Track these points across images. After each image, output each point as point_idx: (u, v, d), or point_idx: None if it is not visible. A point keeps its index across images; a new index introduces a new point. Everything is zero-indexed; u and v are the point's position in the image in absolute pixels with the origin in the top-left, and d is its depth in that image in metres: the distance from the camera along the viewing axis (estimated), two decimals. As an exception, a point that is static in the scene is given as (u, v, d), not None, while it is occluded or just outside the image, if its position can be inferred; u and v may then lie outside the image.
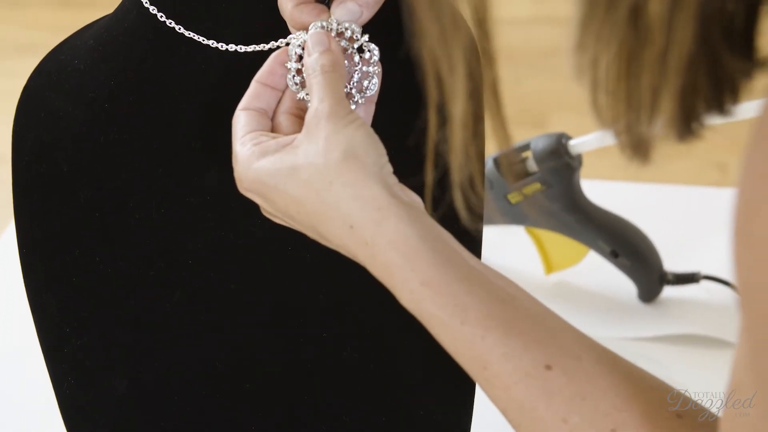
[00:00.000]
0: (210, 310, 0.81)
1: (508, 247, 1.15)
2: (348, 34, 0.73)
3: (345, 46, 0.73)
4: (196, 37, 0.77)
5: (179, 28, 0.77)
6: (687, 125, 0.50)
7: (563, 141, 1.05)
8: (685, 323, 1.07)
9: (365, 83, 0.73)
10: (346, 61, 0.73)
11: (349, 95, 0.74)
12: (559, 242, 1.09)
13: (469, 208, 0.63)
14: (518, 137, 1.05)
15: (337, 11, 0.72)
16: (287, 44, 0.75)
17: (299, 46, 0.73)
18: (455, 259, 0.65)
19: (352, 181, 0.65)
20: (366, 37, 0.73)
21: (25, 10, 2.87)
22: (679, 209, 1.14)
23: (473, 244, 0.80)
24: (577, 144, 1.05)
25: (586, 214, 1.07)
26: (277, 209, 0.70)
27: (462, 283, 0.63)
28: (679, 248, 1.11)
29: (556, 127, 1.90)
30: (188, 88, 0.79)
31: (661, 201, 1.23)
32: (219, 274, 0.80)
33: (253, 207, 0.79)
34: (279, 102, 0.74)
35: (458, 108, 0.57)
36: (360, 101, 0.73)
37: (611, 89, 0.50)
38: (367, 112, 0.74)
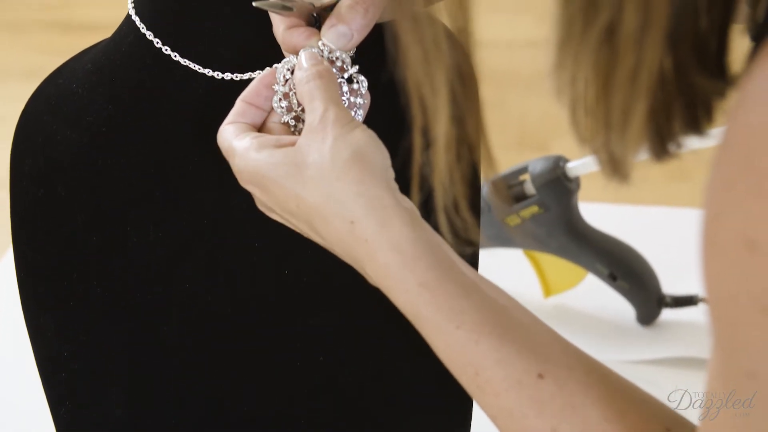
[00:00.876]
0: (207, 334, 0.81)
1: (507, 270, 1.15)
2: (339, 63, 0.74)
3: (335, 74, 0.73)
4: (191, 65, 0.78)
5: (174, 55, 0.78)
6: (663, 145, 0.51)
7: (561, 164, 1.05)
8: (684, 346, 1.07)
9: (351, 113, 0.74)
10: None
11: None
12: (557, 265, 1.09)
13: (455, 232, 0.63)
14: (520, 160, 1.06)
15: (328, 34, 0.73)
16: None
17: (288, 69, 0.73)
18: (452, 265, 0.65)
19: (359, 179, 0.66)
20: (356, 68, 0.74)
21: (28, 34, 2.88)
22: (677, 232, 1.14)
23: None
24: (574, 167, 1.05)
25: (584, 236, 1.07)
26: (275, 202, 0.70)
27: (459, 288, 0.64)
28: (677, 271, 1.11)
29: (558, 151, 1.90)
30: (185, 112, 0.79)
31: (659, 224, 1.23)
32: (216, 297, 0.80)
33: (250, 230, 0.79)
34: (268, 115, 0.74)
35: (441, 130, 0.57)
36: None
37: (589, 108, 0.50)
38: None
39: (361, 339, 0.82)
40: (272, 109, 0.74)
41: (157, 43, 0.78)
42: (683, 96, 0.49)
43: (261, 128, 0.74)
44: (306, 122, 0.69)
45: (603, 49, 0.48)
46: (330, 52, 0.73)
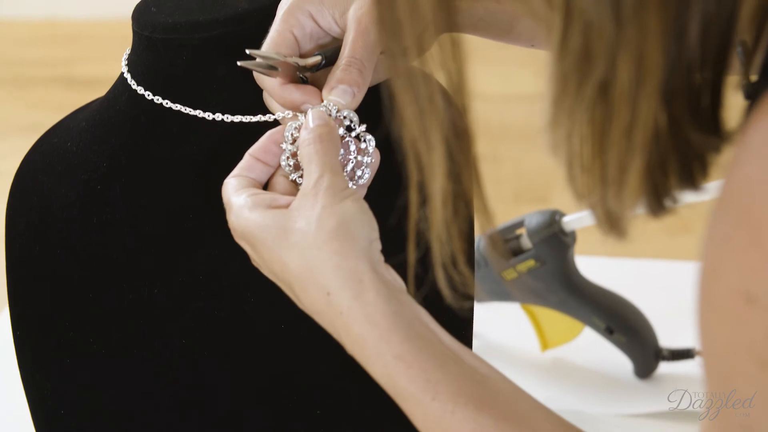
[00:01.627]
0: (202, 390, 0.81)
1: (504, 324, 1.15)
2: (346, 122, 0.74)
3: (342, 134, 0.74)
4: (183, 109, 0.78)
5: (166, 103, 0.79)
6: (659, 201, 0.51)
7: (557, 218, 1.05)
8: (682, 399, 1.06)
9: (358, 172, 0.74)
10: (341, 150, 0.74)
11: None
12: (554, 319, 1.09)
13: (453, 286, 0.63)
14: (518, 214, 1.06)
15: (334, 92, 0.74)
16: (276, 119, 0.76)
17: (296, 128, 0.74)
18: (430, 336, 0.65)
19: (338, 251, 0.67)
20: (363, 127, 0.74)
21: (31, 90, 2.90)
22: (674, 285, 1.14)
23: (462, 321, 0.80)
24: (570, 221, 1.05)
25: (581, 290, 1.07)
26: (263, 262, 0.71)
27: (435, 359, 0.64)
28: (674, 324, 1.11)
29: (557, 204, 1.91)
30: (179, 168, 0.79)
31: (655, 277, 1.23)
32: (210, 353, 0.81)
33: (244, 286, 0.79)
34: (276, 169, 0.75)
35: (437, 186, 0.58)
36: (351, 188, 0.74)
37: (585, 165, 0.50)
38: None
39: (357, 393, 0.82)
40: (279, 165, 0.75)
41: (148, 95, 0.79)
42: (678, 151, 0.50)
43: (268, 182, 0.74)
44: (302, 186, 0.70)
45: (598, 105, 0.48)
46: (338, 111, 0.74)
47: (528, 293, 1.08)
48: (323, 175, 0.69)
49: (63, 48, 3.10)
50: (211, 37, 0.77)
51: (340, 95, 0.73)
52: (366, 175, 0.74)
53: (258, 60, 0.74)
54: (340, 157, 0.73)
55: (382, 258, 0.68)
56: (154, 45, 0.79)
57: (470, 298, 0.67)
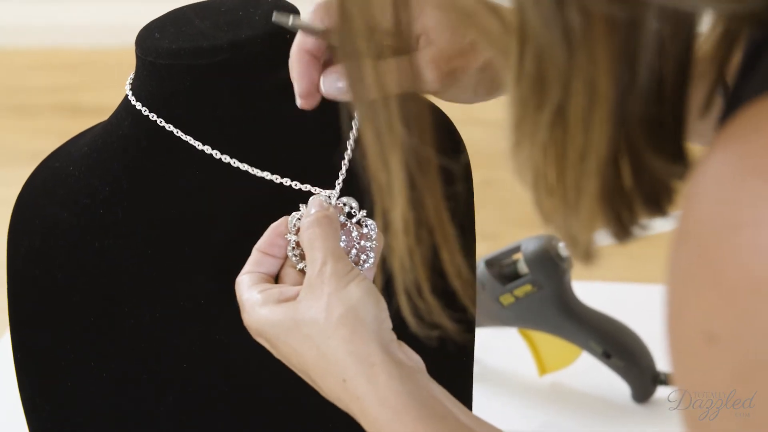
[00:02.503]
0: (203, 413, 0.82)
1: (502, 349, 1.16)
2: (346, 209, 0.76)
3: (343, 221, 0.76)
4: (190, 141, 0.79)
5: (169, 127, 0.79)
6: (624, 227, 0.51)
7: (553, 243, 1.06)
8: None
9: (362, 257, 0.76)
10: (344, 236, 0.75)
11: None
12: (551, 343, 1.09)
13: (418, 314, 0.64)
14: (522, 237, 1.07)
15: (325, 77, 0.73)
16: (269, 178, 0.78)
17: (298, 218, 0.75)
18: (445, 414, 0.67)
19: (349, 337, 0.68)
20: (364, 212, 0.76)
21: (35, 117, 2.91)
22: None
23: (461, 348, 0.81)
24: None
25: (578, 315, 1.07)
26: (281, 355, 0.73)
27: (449, 427, 0.66)
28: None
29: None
30: (181, 193, 0.80)
31: (652, 301, 1.23)
32: (212, 377, 0.81)
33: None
34: (285, 261, 0.76)
35: (398, 213, 0.59)
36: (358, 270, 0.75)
37: (549, 188, 0.51)
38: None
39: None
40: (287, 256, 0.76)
41: (153, 116, 0.80)
42: (640, 177, 0.50)
43: (278, 274, 0.76)
44: (306, 275, 0.71)
45: (556, 129, 0.49)
46: (338, 200, 0.75)
47: (525, 318, 1.08)
48: (326, 261, 0.70)
49: (67, 76, 3.12)
50: (215, 63, 0.78)
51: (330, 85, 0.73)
52: (371, 259, 0.76)
53: (294, 23, 0.74)
54: (343, 243, 0.75)
55: (394, 336, 0.70)
56: (158, 70, 0.79)
57: (438, 327, 0.67)
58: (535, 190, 0.51)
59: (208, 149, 0.79)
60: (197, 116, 0.79)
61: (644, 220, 0.51)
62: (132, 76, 0.82)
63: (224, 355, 0.81)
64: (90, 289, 0.80)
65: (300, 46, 0.74)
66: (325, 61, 0.75)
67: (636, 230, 0.52)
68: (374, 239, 0.75)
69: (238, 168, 0.79)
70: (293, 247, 0.75)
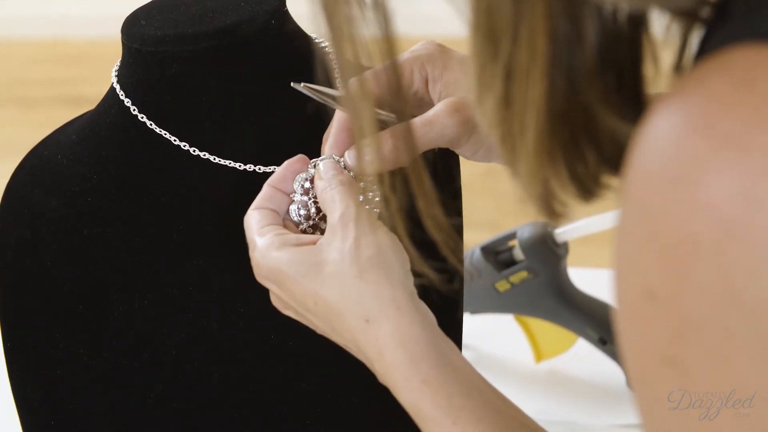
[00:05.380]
0: (194, 401, 0.81)
1: (498, 336, 1.15)
2: (352, 174, 0.76)
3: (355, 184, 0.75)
4: (171, 139, 0.79)
5: (150, 124, 0.79)
6: (581, 184, 0.51)
7: (549, 229, 1.06)
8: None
9: (375, 216, 0.75)
10: None
11: None
12: (547, 330, 1.09)
13: None
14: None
15: (349, 153, 0.75)
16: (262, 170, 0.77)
17: (305, 179, 0.75)
18: (459, 367, 0.67)
19: (376, 279, 0.68)
20: (369, 179, 0.76)
21: (37, 109, 2.91)
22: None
23: (451, 303, 0.81)
24: (563, 232, 1.06)
25: (574, 301, 1.07)
26: (292, 298, 0.71)
27: (460, 386, 0.66)
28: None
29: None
30: (169, 180, 0.80)
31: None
32: (202, 364, 0.81)
33: (234, 297, 0.80)
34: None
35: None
36: None
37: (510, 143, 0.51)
38: None
39: (347, 403, 0.82)
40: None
41: (136, 112, 0.80)
42: (594, 134, 0.50)
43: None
44: (327, 222, 0.71)
45: (509, 81, 0.49)
46: (344, 166, 0.75)
47: (521, 305, 1.08)
48: (349, 207, 0.70)
49: (69, 68, 3.12)
50: (200, 50, 0.78)
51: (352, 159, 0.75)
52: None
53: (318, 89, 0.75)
54: None
55: (415, 291, 0.70)
56: (143, 58, 0.79)
57: (418, 276, 0.69)
58: (502, 144, 0.51)
59: (185, 146, 0.78)
60: (183, 103, 0.79)
61: (606, 179, 0.51)
62: (118, 63, 0.82)
63: (214, 343, 0.80)
64: (79, 277, 0.80)
65: (341, 123, 0.75)
66: None
67: (596, 188, 0.51)
68: (378, 204, 0.76)
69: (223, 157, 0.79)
70: (299, 208, 0.74)
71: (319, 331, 0.72)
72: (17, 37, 3.27)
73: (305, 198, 0.75)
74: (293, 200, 0.75)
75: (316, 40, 0.84)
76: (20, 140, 2.75)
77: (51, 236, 0.81)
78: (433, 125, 0.73)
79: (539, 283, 1.06)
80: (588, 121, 0.49)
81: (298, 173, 0.75)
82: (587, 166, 0.50)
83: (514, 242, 1.07)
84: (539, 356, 1.11)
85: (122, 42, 0.80)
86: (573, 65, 0.48)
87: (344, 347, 0.71)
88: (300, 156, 0.75)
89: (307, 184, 0.75)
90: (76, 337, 0.81)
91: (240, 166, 0.79)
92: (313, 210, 0.75)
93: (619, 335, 0.47)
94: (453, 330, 0.84)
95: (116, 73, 0.82)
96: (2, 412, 1.06)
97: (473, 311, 1.10)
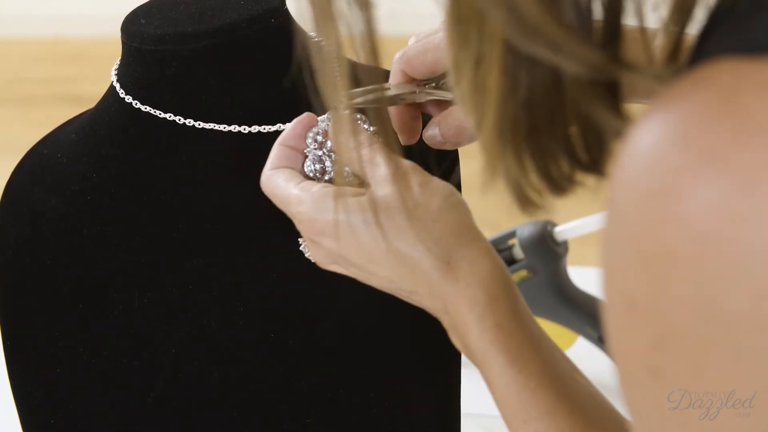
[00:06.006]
0: (193, 400, 0.81)
1: (498, 335, 1.15)
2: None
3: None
4: (170, 117, 0.79)
5: (155, 112, 0.79)
6: (554, 184, 0.51)
7: (549, 228, 1.06)
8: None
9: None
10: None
11: None
12: (547, 329, 1.09)
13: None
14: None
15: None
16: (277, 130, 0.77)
17: (317, 132, 0.74)
18: (530, 318, 0.68)
19: (455, 221, 0.68)
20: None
21: (37, 108, 2.91)
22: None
23: None
24: (563, 230, 1.06)
25: (574, 300, 1.07)
26: (353, 250, 0.70)
27: (530, 338, 0.66)
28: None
29: (560, 213, 1.90)
30: (169, 178, 0.80)
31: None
32: (202, 363, 0.81)
33: (233, 296, 0.80)
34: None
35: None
36: None
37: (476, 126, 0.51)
38: None
39: (347, 403, 0.82)
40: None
41: (136, 103, 0.80)
42: (564, 135, 0.50)
43: None
44: (373, 177, 0.69)
45: (474, 68, 0.49)
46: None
47: (521, 303, 1.08)
48: (399, 159, 0.68)
49: (69, 66, 3.12)
50: (200, 48, 0.78)
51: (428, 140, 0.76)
52: None
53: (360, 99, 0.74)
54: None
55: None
56: (143, 56, 0.79)
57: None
58: (475, 130, 0.51)
59: (190, 121, 0.78)
60: (183, 102, 0.79)
61: (575, 174, 0.51)
62: (118, 62, 0.82)
63: (214, 342, 0.80)
64: (79, 276, 0.80)
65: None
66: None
67: (570, 186, 0.51)
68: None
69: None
70: (314, 161, 0.73)
71: (374, 284, 0.71)
72: (17, 36, 3.27)
73: (319, 152, 0.73)
74: (306, 156, 0.74)
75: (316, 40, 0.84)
76: (20, 139, 2.75)
77: (51, 235, 0.81)
78: None
79: (539, 281, 1.06)
80: (560, 119, 0.49)
81: (310, 128, 0.74)
82: (560, 168, 0.50)
83: (514, 241, 1.07)
84: (539, 355, 1.11)
85: (122, 41, 0.80)
86: (533, 58, 0.47)
87: (405, 298, 0.70)
88: (307, 113, 0.74)
89: (320, 138, 0.73)
90: (76, 337, 0.81)
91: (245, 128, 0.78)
92: (328, 163, 0.73)
93: (606, 337, 0.47)
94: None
95: (116, 72, 0.82)
96: (2, 411, 1.06)
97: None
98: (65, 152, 0.82)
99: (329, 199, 0.69)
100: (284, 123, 0.79)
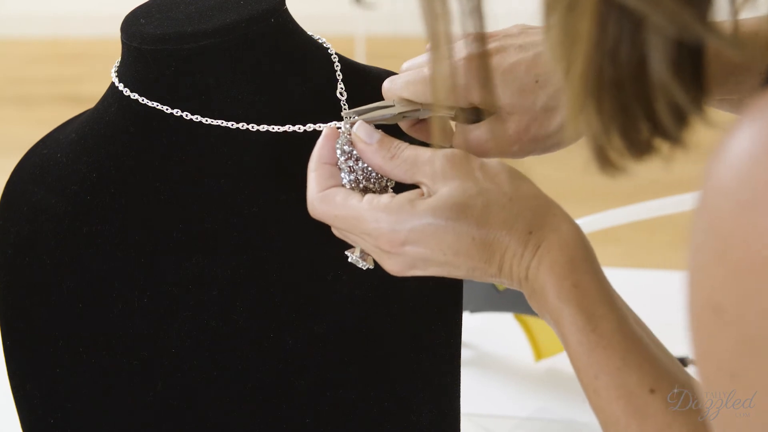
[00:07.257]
0: (193, 399, 0.81)
1: (497, 334, 1.16)
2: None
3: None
4: (175, 113, 0.79)
5: (156, 105, 0.79)
6: (629, 139, 0.51)
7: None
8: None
9: (387, 182, 0.76)
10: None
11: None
12: (547, 329, 1.09)
13: None
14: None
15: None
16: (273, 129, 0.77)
17: (344, 144, 0.74)
18: (604, 279, 0.69)
19: (527, 194, 0.71)
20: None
21: (37, 108, 2.92)
22: (668, 294, 1.14)
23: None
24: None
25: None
26: (440, 247, 0.70)
27: (605, 297, 0.68)
28: (669, 333, 1.11)
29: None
30: (168, 178, 0.80)
31: (650, 286, 1.23)
32: (202, 362, 0.81)
33: (233, 295, 0.80)
34: None
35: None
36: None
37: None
38: None
39: (347, 403, 0.82)
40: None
41: (135, 95, 0.79)
42: (647, 100, 0.50)
43: None
44: (429, 174, 0.71)
45: (567, 12, 0.50)
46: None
47: (521, 303, 1.08)
48: (445, 151, 0.71)
49: (69, 66, 3.12)
50: (200, 48, 0.78)
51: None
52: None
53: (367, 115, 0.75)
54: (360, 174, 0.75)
55: None
56: (143, 56, 0.79)
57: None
58: (563, 79, 0.52)
59: (195, 118, 0.78)
60: (183, 101, 0.79)
61: (654, 140, 0.51)
62: (118, 62, 0.82)
63: (213, 341, 0.80)
64: (79, 274, 0.80)
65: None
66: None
67: (644, 147, 0.51)
68: None
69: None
70: (347, 173, 0.74)
71: (457, 276, 0.72)
72: (17, 36, 3.27)
73: (350, 162, 0.74)
74: (341, 169, 0.74)
75: (316, 39, 0.84)
76: (20, 138, 2.75)
77: (51, 234, 0.81)
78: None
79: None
80: (644, 83, 0.50)
81: (335, 140, 0.74)
82: (639, 132, 0.51)
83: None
84: (539, 355, 1.11)
85: (122, 40, 0.80)
86: (624, 7, 0.48)
87: (487, 279, 0.72)
88: (330, 127, 0.75)
89: (347, 147, 0.74)
90: (75, 336, 0.81)
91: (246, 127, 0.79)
92: (359, 172, 0.74)
93: (690, 341, 0.47)
94: (453, 328, 0.84)
95: (116, 72, 0.82)
96: (2, 411, 1.06)
97: (473, 310, 1.10)
98: (65, 152, 0.82)
99: (405, 209, 0.70)
100: (284, 123, 0.79)
